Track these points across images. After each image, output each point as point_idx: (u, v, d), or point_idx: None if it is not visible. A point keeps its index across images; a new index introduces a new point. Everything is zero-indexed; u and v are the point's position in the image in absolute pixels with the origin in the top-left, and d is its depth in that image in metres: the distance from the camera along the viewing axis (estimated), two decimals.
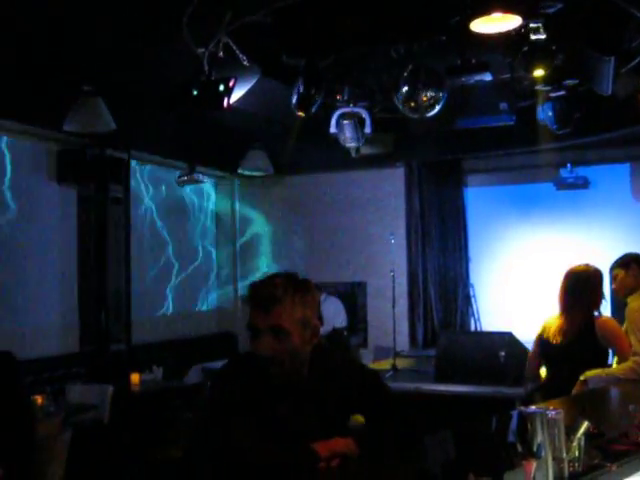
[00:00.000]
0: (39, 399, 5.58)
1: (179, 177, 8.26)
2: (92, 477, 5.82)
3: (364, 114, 6.64)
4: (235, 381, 2.24)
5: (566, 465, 1.93)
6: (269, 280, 2.20)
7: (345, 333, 8.23)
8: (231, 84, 5.04)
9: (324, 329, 6.65)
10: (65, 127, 6.44)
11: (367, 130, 6.70)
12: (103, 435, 6.16)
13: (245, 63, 5.41)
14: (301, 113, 5.43)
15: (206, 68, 5.16)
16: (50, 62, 6.09)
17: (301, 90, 5.23)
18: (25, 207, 7.14)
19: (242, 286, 9.81)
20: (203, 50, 5.22)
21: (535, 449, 1.74)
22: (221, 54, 5.22)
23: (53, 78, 6.34)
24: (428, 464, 1.75)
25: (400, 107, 5.85)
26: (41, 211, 7.33)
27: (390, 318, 7.75)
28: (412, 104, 5.78)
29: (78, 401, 6.26)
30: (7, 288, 6.90)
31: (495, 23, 4.04)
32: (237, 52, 5.31)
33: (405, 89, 5.70)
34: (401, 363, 7.15)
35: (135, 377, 7.08)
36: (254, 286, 2.21)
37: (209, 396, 2.35)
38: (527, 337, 6.26)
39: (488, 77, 5.54)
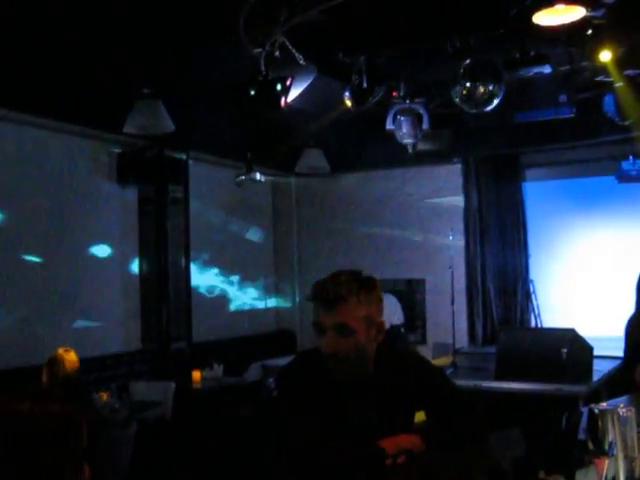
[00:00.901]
0: (104, 396, 5.71)
1: (237, 177, 8.33)
2: (156, 472, 5.92)
3: (421, 110, 6.60)
4: (300, 379, 2.26)
5: (638, 463, 1.89)
6: (334, 278, 2.20)
7: (402, 330, 8.20)
8: (288, 83, 5.06)
9: None
10: (125, 129, 6.55)
11: (424, 126, 6.65)
12: (166, 431, 6.26)
13: (301, 62, 5.43)
14: (350, 105, 5.41)
15: (263, 68, 5.19)
16: (110, 66, 6.21)
17: (357, 85, 5.22)
18: (87, 209, 7.30)
19: (300, 284, 9.86)
20: (260, 50, 5.25)
21: (607, 447, 1.71)
22: (277, 54, 5.25)
23: (113, 81, 6.46)
24: (498, 460, 1.73)
25: (457, 102, 5.79)
26: (103, 212, 7.49)
27: (449, 315, 7.70)
28: (469, 99, 5.72)
29: (141, 398, 6.38)
30: (72, 288, 7.07)
31: (558, 15, 3.96)
32: (293, 51, 5.33)
33: (462, 84, 5.65)
34: (460, 360, 7.10)
35: (196, 374, 7.18)
36: (319, 284, 2.21)
37: (275, 394, 2.37)
38: (590, 333, 6.17)
39: (547, 69, 5.44)
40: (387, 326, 7.46)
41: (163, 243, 7.77)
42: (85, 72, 6.21)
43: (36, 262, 6.76)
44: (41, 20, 5.31)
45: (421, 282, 9.21)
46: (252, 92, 5.05)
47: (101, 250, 7.45)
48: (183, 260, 7.97)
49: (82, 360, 5.23)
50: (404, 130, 6.72)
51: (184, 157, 7.96)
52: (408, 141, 6.95)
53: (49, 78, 6.09)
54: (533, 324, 8.74)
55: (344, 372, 2.18)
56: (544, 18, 3.98)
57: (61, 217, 7.02)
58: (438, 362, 7.09)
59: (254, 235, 9.68)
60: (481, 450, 2.12)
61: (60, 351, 4.95)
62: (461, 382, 6.01)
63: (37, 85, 6.08)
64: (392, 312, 8.27)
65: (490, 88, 5.62)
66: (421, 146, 7.47)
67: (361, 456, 2.08)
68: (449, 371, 6.56)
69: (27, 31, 5.44)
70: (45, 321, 6.75)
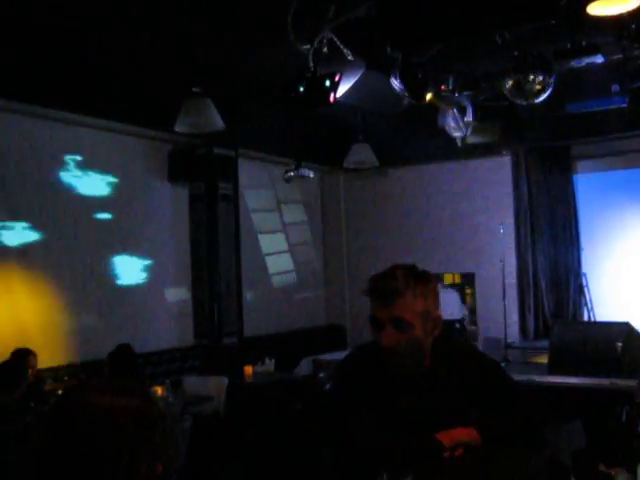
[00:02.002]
0: (159, 390, 5.81)
1: (285, 173, 8.38)
2: (209, 465, 6.00)
3: (469, 103, 6.56)
4: (356, 372, 2.28)
5: None
6: (390, 273, 2.20)
7: (457, 325, 8.12)
8: (337, 79, 5.07)
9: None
10: (176, 128, 6.62)
11: (473, 119, 6.61)
12: (219, 425, 6.34)
13: (349, 57, 5.43)
14: (407, 101, 5.40)
15: (311, 64, 5.20)
16: (160, 66, 6.30)
17: (412, 81, 5.21)
18: (139, 206, 7.43)
19: (350, 279, 9.88)
20: (308, 47, 5.27)
21: None
22: (325, 50, 5.26)
23: (163, 81, 6.56)
24: (558, 454, 1.73)
25: (507, 94, 5.73)
26: (155, 209, 7.61)
27: (500, 309, 7.65)
28: (519, 91, 5.65)
29: (195, 392, 6.47)
30: (125, 286, 7.21)
31: (613, 5, 3.87)
32: (341, 47, 5.34)
33: (512, 75, 5.59)
34: (512, 354, 7.06)
35: (248, 369, 7.25)
36: (375, 279, 2.21)
37: (328, 387, 2.39)
38: None
39: (599, 59, 5.35)
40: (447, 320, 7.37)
41: (214, 239, 7.86)
42: (137, 74, 6.32)
43: (91, 260, 6.90)
44: (94, 24, 5.41)
45: (471, 276, 9.15)
46: (301, 89, 5.08)
47: (154, 247, 7.58)
48: (233, 256, 8.05)
49: (137, 355, 5.35)
50: (453, 123, 6.69)
51: (233, 154, 8.04)
52: (457, 134, 6.92)
53: (102, 80, 6.21)
54: (586, 318, 8.62)
55: (401, 366, 2.19)
56: (599, 9, 3.89)
57: (117, 215, 7.16)
58: None
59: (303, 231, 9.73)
60: (539, 444, 2.11)
61: (119, 347, 5.07)
62: (514, 376, 5.96)
63: (91, 86, 6.21)
64: (451, 306, 8.24)
65: (540, 79, 5.55)
66: (470, 139, 7.41)
67: (418, 449, 2.09)
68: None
69: (79, 34, 5.56)
70: (102, 318, 6.90)
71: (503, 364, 6.56)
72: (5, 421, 4.36)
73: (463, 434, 2.15)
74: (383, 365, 2.21)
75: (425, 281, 2.22)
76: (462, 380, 2.25)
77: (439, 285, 8.34)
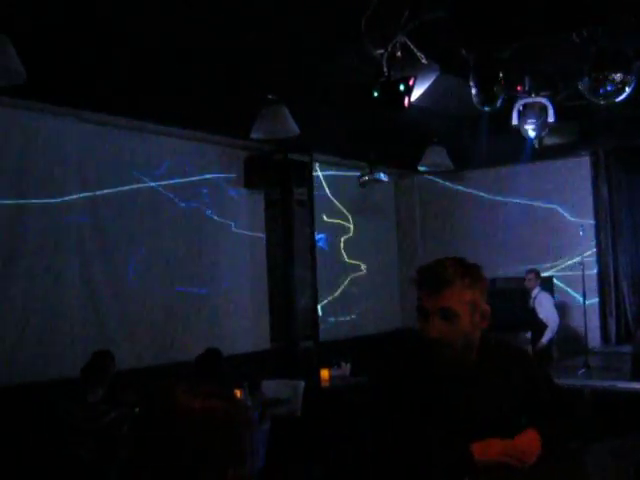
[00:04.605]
0: (237, 393, 5.91)
1: (360, 177, 8.40)
2: (287, 467, 6.07)
3: (546, 103, 6.44)
4: (402, 364, 2.27)
5: None
6: (438, 263, 2.19)
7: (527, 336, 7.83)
8: (411, 83, 5.08)
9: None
10: (252, 135, 6.73)
11: (550, 119, 6.49)
12: (297, 428, 6.41)
13: (423, 61, 5.43)
14: (487, 108, 5.36)
15: (385, 69, 5.22)
16: (236, 74, 6.43)
17: (483, 85, 5.17)
18: (218, 213, 7.59)
19: None
20: (382, 51, 5.29)
21: None
22: (399, 54, 5.26)
23: (240, 89, 6.68)
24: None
25: (585, 94, 5.61)
26: (232, 216, 7.75)
27: (580, 313, 7.48)
28: (598, 90, 5.53)
29: (273, 395, 6.55)
30: (205, 290, 7.36)
31: None
32: (415, 51, 5.34)
33: (590, 74, 5.47)
34: (593, 360, 6.90)
35: (325, 373, 7.30)
36: (423, 269, 2.20)
37: (375, 381, 2.36)
38: None
39: None
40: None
41: (289, 244, 7.94)
42: (212, 81, 6.47)
43: (169, 265, 7.07)
44: (172, 37, 5.56)
45: (550, 279, 8.96)
46: (376, 94, 5.10)
47: (231, 253, 7.72)
48: (309, 261, 8.11)
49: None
50: (529, 124, 6.58)
51: (308, 159, 8.11)
52: (534, 135, 6.80)
53: (180, 89, 6.37)
54: None
55: (448, 357, 2.16)
56: None
57: (197, 220, 7.34)
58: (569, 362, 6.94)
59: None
60: (579, 457, 2.09)
61: (208, 350, 5.18)
62: (595, 383, 5.86)
63: (170, 97, 6.37)
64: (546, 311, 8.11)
65: (620, 78, 5.42)
66: (547, 140, 7.30)
67: (449, 462, 2.08)
68: (581, 371, 6.40)
69: (157, 45, 5.72)
70: (180, 323, 7.07)
71: (582, 370, 6.43)
72: (86, 420, 4.52)
73: (499, 449, 2.12)
74: (429, 357, 2.19)
75: (474, 272, 2.20)
76: (508, 377, 2.24)
77: (538, 288, 7.90)
